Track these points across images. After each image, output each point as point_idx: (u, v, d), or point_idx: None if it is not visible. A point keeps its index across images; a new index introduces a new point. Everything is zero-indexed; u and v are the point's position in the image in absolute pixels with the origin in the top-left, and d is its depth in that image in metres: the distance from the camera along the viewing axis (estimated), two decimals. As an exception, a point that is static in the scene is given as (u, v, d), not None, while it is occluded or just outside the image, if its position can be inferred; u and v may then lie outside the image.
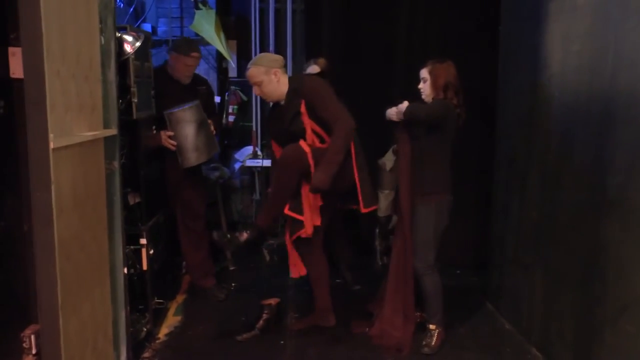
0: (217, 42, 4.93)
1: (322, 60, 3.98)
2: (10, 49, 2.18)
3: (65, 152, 2.10)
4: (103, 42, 2.52)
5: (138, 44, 2.85)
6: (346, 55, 4.49)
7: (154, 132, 3.42)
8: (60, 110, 2.07)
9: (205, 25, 4.95)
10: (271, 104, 3.45)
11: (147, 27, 4.89)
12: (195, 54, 3.63)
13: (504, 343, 3.34)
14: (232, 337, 3.33)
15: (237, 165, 5.29)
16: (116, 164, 2.64)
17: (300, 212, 3.17)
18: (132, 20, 4.77)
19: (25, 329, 2.34)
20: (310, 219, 3.18)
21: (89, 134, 2.28)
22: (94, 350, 2.47)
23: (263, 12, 5.26)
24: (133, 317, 3.01)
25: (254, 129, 5.33)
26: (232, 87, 5.46)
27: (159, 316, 3.52)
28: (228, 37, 5.09)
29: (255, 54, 5.16)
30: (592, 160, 2.61)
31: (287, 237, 3.35)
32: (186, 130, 3.49)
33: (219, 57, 5.25)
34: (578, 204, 2.73)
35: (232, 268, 4.54)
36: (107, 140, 2.58)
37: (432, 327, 3.23)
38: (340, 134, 3.08)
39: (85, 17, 2.35)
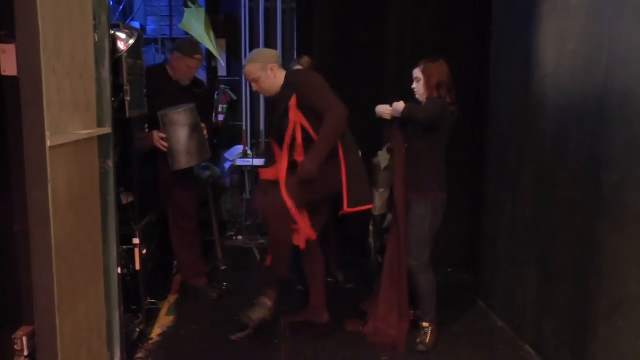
0: (206, 40, 4.89)
1: (305, 60, 3.97)
2: (1, 46, 2.15)
3: (61, 150, 2.07)
4: (97, 39, 2.49)
5: (132, 41, 2.83)
6: (337, 55, 4.49)
7: (147, 131, 3.39)
8: (55, 108, 2.04)
9: (195, 23, 4.92)
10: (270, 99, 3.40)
11: (135, 25, 4.83)
12: (198, 56, 3.60)
13: (497, 340, 3.36)
14: (226, 337, 3.31)
15: (227, 165, 5.27)
16: (110, 163, 2.61)
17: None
18: (121, 18, 4.72)
19: (17, 330, 2.31)
20: (304, 231, 3.16)
21: (84, 132, 2.25)
22: (89, 351, 2.44)
23: (253, 11, 5.24)
24: (126, 317, 2.98)
25: (244, 128, 5.31)
26: (222, 86, 5.44)
27: (151, 316, 3.49)
28: (217, 36, 5.06)
29: (245, 53, 5.15)
30: (587, 159, 2.64)
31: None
32: (179, 133, 3.46)
33: (209, 56, 5.21)
34: (573, 202, 2.76)
35: (223, 267, 4.52)
36: (101, 139, 2.55)
37: (425, 325, 3.24)
38: (331, 121, 3.04)
39: (80, 14, 2.32)
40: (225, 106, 5.46)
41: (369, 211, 3.36)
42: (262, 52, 3.37)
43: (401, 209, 3.14)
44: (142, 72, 3.25)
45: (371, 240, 3.34)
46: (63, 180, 2.11)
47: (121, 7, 4.65)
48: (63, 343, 2.11)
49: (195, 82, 3.80)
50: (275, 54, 3.31)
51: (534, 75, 3.17)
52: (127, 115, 2.92)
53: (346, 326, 3.46)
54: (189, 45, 3.64)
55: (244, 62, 3.28)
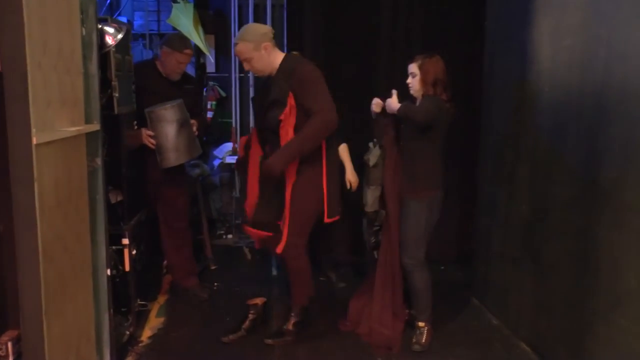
0: (195, 36, 4.82)
1: (295, 54, 3.88)
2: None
3: (48, 148, 1.99)
4: (84, 33, 2.41)
5: (120, 36, 2.75)
6: (327, 50, 4.42)
7: (136, 128, 3.30)
8: (41, 104, 1.96)
9: (183, 19, 4.84)
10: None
11: (122, 20, 4.74)
12: (188, 51, 3.51)
13: (493, 338, 3.33)
14: (217, 339, 3.24)
15: (216, 162, 5.19)
16: (99, 161, 2.54)
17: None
18: (108, 13, 4.63)
19: (1, 335, 2.23)
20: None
21: (72, 129, 2.18)
22: (77, 356, 2.37)
23: (242, 7, 5.17)
24: (115, 319, 2.90)
25: (233, 125, 5.24)
26: (211, 83, 5.36)
27: (141, 318, 3.41)
28: (206, 32, 4.99)
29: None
30: (585, 155, 2.60)
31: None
32: (166, 129, 3.37)
33: (197, 52, 5.13)
34: (570, 198, 2.73)
35: (213, 267, 4.44)
36: (89, 136, 2.47)
37: (421, 324, 3.20)
38: (314, 125, 2.90)
39: (66, 6, 2.24)
40: (214, 103, 5.39)
41: (362, 207, 3.31)
42: (254, 29, 3.11)
43: (393, 207, 3.09)
44: (131, 68, 3.16)
45: (366, 236, 3.28)
46: (50, 179, 2.04)
47: (108, 1, 4.55)
48: (50, 348, 2.04)
49: (186, 77, 3.72)
50: (268, 30, 3.08)
51: (529, 71, 3.14)
52: (116, 112, 2.84)
53: (340, 326, 3.41)
54: (179, 40, 3.55)
55: (234, 39, 3.07)
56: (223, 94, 5.36)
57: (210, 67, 5.31)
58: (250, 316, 3.36)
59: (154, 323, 3.45)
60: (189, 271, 3.88)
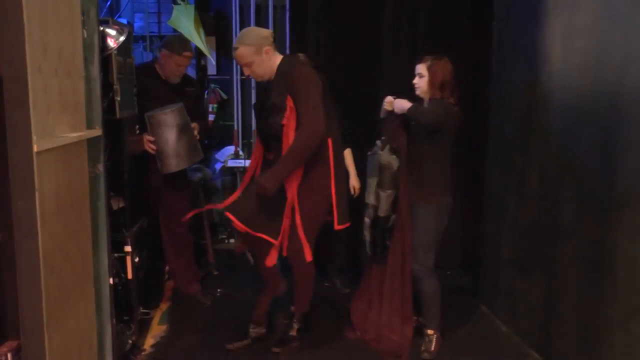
0: (196, 38, 4.76)
1: (301, 56, 3.82)
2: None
3: (49, 155, 1.92)
4: (86, 35, 2.34)
5: (122, 38, 2.68)
6: (331, 51, 4.34)
7: (137, 132, 3.23)
8: (42, 109, 1.89)
9: (184, 20, 4.78)
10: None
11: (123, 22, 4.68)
12: (187, 53, 3.44)
13: (502, 346, 3.27)
14: (221, 346, 3.17)
15: (217, 166, 5.13)
16: (101, 167, 2.46)
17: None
18: (107, 15, 4.56)
19: (0, 345, 2.16)
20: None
21: (74, 135, 2.11)
22: (79, 368, 2.30)
23: (243, 8, 5.11)
24: (117, 328, 2.83)
25: (235, 128, 5.18)
26: (212, 85, 5.30)
27: (143, 326, 3.34)
28: (207, 34, 4.93)
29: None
30: (599, 159, 2.54)
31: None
32: (167, 134, 3.30)
33: (198, 54, 5.07)
34: (583, 204, 2.67)
35: (215, 272, 4.38)
36: (91, 141, 2.40)
37: (430, 332, 3.13)
38: (301, 138, 2.82)
39: (67, 8, 2.17)
40: (215, 106, 5.33)
41: (363, 205, 3.23)
42: (255, 32, 3.03)
43: (406, 212, 3.02)
44: (132, 71, 3.09)
45: (366, 232, 3.19)
46: (51, 187, 1.97)
47: (108, 3, 4.48)
48: (52, 360, 1.97)
49: (186, 80, 3.65)
50: (269, 34, 3.00)
51: (540, 73, 3.07)
52: (118, 116, 2.77)
53: (347, 334, 3.34)
54: (178, 42, 3.49)
55: (234, 43, 2.98)
56: (224, 96, 5.31)
57: (212, 69, 5.26)
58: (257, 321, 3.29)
59: (156, 331, 3.39)
60: (191, 277, 3.81)
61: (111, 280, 2.60)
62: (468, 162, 4.18)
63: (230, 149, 5.09)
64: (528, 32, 3.19)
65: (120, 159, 2.87)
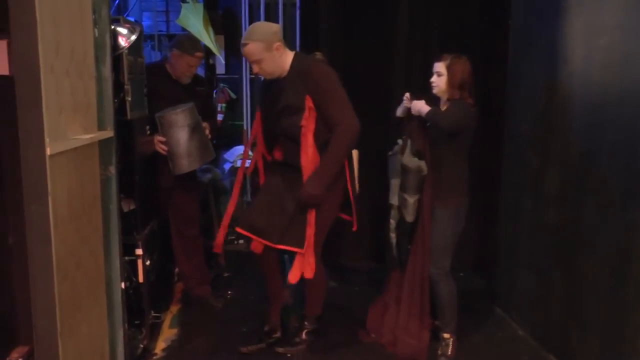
0: (205, 37, 4.71)
1: (319, 56, 3.76)
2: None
3: (61, 158, 1.87)
4: (97, 34, 2.28)
5: (133, 37, 2.62)
6: (344, 49, 4.26)
7: (148, 133, 3.18)
8: (54, 111, 1.83)
9: (193, 19, 4.73)
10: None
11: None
12: (199, 54, 3.38)
13: (520, 350, 3.20)
14: (234, 350, 3.11)
15: (226, 166, 5.07)
16: (112, 169, 2.41)
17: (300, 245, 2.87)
18: (115, 14, 4.50)
19: (11, 351, 2.11)
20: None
21: (86, 137, 2.05)
22: (91, 375, 2.25)
23: (252, 6, 5.04)
24: (129, 333, 2.77)
25: (244, 127, 5.12)
26: (221, 85, 5.25)
27: (154, 330, 3.28)
28: (216, 32, 4.87)
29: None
30: (624, 161, 2.46)
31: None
32: (178, 134, 3.24)
33: (207, 53, 5.01)
34: (606, 207, 2.59)
35: (226, 274, 4.32)
36: (103, 143, 2.34)
37: (446, 335, 3.07)
38: (341, 141, 2.76)
39: (78, 7, 2.11)
40: (224, 105, 5.27)
41: (386, 207, 3.17)
42: (264, 27, 2.90)
43: (428, 216, 2.96)
44: (143, 71, 3.04)
45: (392, 234, 3.12)
46: (63, 190, 1.91)
47: (116, 2, 4.43)
48: (65, 368, 1.92)
49: (197, 79, 3.59)
50: (278, 29, 2.88)
51: (560, 73, 3.00)
52: (129, 117, 2.72)
53: (361, 337, 3.28)
54: (189, 42, 3.42)
55: (242, 39, 2.88)
56: (233, 95, 5.26)
57: (220, 69, 5.20)
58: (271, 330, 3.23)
59: (167, 334, 3.33)
60: (202, 280, 3.76)
61: (123, 285, 2.54)
62: (480, 163, 4.10)
63: (239, 149, 5.04)
64: (547, 30, 3.12)
65: (131, 160, 2.82)
